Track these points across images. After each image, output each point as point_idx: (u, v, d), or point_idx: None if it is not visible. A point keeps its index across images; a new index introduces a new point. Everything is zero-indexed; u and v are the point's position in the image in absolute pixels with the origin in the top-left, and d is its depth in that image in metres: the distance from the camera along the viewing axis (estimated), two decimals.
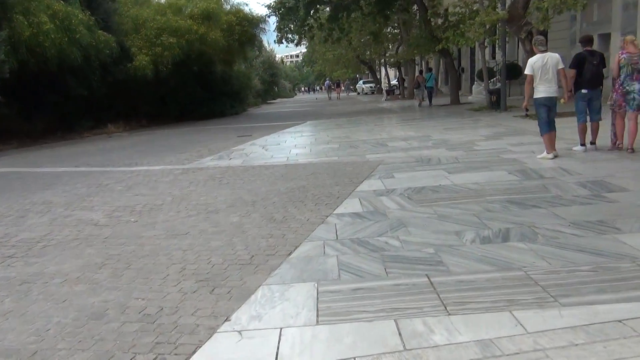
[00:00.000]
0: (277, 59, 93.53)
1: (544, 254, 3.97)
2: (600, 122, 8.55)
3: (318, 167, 9.04)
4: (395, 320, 3.05)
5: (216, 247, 4.77)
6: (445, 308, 3.17)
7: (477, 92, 27.96)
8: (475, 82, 29.19)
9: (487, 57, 31.02)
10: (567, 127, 10.95)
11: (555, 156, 8.04)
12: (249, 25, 27.27)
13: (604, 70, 8.47)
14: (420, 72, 28.84)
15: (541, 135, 8.30)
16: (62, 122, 20.33)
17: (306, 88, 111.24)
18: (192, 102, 27.49)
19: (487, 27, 15.63)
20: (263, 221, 5.58)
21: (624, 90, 7.88)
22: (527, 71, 8.15)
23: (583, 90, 8.23)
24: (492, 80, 27.22)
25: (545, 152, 8.18)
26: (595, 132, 8.51)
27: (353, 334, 2.95)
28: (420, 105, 25.09)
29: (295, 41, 24.36)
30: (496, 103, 18.05)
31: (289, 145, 12.74)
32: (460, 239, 4.47)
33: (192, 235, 5.24)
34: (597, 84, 8.27)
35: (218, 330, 3.12)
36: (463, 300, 3.26)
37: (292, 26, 21.75)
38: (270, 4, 21.49)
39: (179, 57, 21.77)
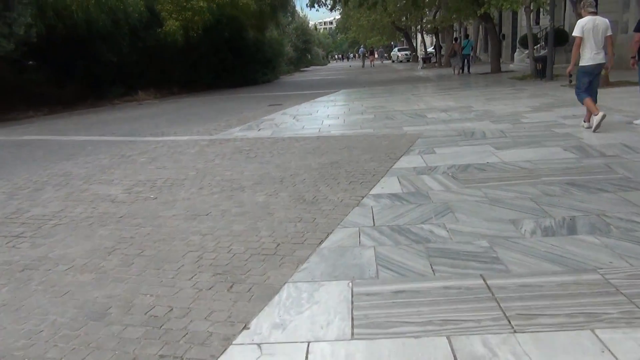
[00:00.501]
0: (310, 25, 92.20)
1: (621, 251, 3.33)
2: None
3: (352, 140, 8.43)
4: (447, 338, 2.50)
5: (238, 232, 4.27)
6: (509, 322, 2.60)
7: (520, 60, 26.65)
8: (517, 49, 27.83)
9: (530, 23, 29.57)
10: (622, 98, 10.06)
11: (604, 115, 7.18)
12: None
13: None
14: (456, 39, 27.83)
15: (581, 101, 7.65)
16: (93, 89, 20.11)
17: (340, 55, 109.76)
18: (223, 69, 27.00)
19: None
20: (291, 202, 5.06)
21: None
22: (576, 33, 7.40)
23: None
24: (535, 47, 25.90)
25: (593, 116, 7.35)
26: None
27: (396, 354, 2.41)
28: (455, 74, 24.44)
29: (330, 5, 23.41)
30: (541, 71, 16.99)
31: (321, 115, 12.13)
32: (518, 229, 3.86)
33: (213, 217, 4.75)
34: None
35: (234, 342, 2.62)
36: (530, 311, 2.68)
37: None
38: None
39: (209, 22, 21.17)
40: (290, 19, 50.39)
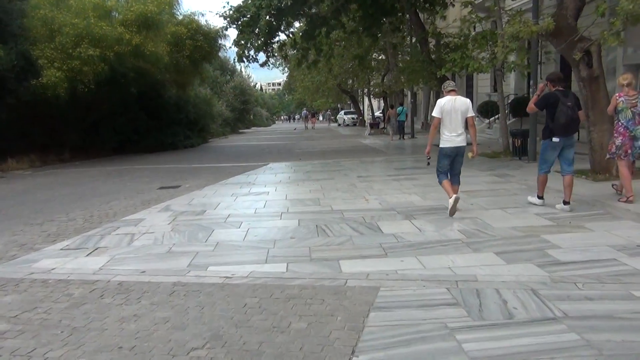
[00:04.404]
0: (257, 85, 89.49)
1: None
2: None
3: (234, 304, 4.08)
4: None
5: None
6: None
7: (479, 131, 23.42)
8: (476, 119, 24.74)
9: (488, 89, 26.78)
10: None
11: (457, 198, 6.88)
12: (204, 40, 22.38)
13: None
14: (392, 106, 26.52)
15: (440, 183, 7.27)
16: None
17: (286, 116, 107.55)
18: (135, 132, 22.51)
19: (521, 42, 11.13)
20: None
21: (631, 135, 7.12)
22: (435, 113, 7.02)
23: (554, 139, 6.91)
24: (492, 118, 22.84)
25: (449, 198, 6.96)
26: (569, 189, 7.01)
27: None
28: (391, 140, 24.09)
29: (262, 61, 19.59)
30: (520, 149, 13.42)
31: (217, 216, 7.74)
32: None
33: None
34: (573, 130, 7.00)
35: None
36: None
37: (254, 42, 16.95)
38: (226, 13, 16.57)
39: (104, 75, 16.69)
40: (228, 77, 46.88)
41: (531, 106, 7.43)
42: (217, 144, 29.26)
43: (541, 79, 19.99)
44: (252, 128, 55.78)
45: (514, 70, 15.66)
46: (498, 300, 3.93)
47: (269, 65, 20.93)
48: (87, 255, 5.80)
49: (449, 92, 7.00)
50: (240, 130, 47.77)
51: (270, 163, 15.83)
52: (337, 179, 11.24)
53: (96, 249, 6.03)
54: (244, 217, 7.54)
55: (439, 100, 7.01)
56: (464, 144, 7.03)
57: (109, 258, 5.62)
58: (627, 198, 7.02)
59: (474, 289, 4.20)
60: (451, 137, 6.92)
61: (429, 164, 7.65)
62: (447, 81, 7.40)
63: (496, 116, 21.56)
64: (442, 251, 5.33)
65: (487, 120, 23.22)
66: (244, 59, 18.37)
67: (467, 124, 7.05)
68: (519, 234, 5.89)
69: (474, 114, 7.07)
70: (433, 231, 6.19)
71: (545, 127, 7.03)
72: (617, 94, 7.29)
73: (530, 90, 13.41)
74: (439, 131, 7.08)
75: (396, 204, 8.06)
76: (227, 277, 4.77)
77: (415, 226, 6.49)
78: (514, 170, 11.26)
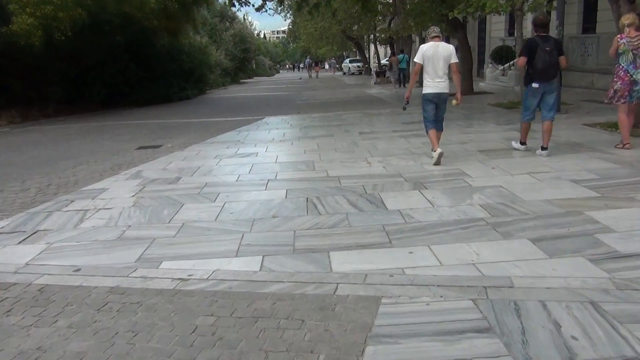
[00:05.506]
0: (261, 33, 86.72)
1: None
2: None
3: (179, 332, 2.94)
4: None
5: None
6: None
7: (493, 77, 21.94)
8: (489, 65, 23.12)
9: (502, 33, 24.99)
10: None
11: (441, 153, 6.79)
12: None
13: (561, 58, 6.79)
14: (393, 53, 26.12)
15: (426, 132, 7.20)
16: None
17: (291, 65, 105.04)
18: (125, 84, 21.14)
19: None
20: None
21: (632, 79, 6.87)
22: (416, 59, 6.92)
23: (534, 84, 6.84)
24: (507, 64, 21.24)
25: (432, 150, 6.99)
26: (547, 134, 7.08)
27: None
28: (394, 88, 23.96)
29: (257, 5, 18.03)
30: None
31: (192, 186, 6.56)
32: None
33: None
34: (552, 75, 6.78)
35: None
36: None
37: None
38: None
39: (82, 21, 15.24)
40: (228, 24, 44.84)
41: (518, 63, 7.28)
42: (214, 96, 27.80)
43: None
44: (255, 78, 53.94)
45: (535, 10, 14.08)
46: (547, 323, 2.79)
47: (266, 10, 19.54)
48: (20, 242, 4.69)
49: (433, 38, 6.93)
50: (242, 81, 46.07)
51: (267, 117, 14.55)
52: (336, 136, 10.00)
53: (34, 233, 4.91)
54: (223, 187, 6.38)
55: (421, 46, 6.95)
56: (446, 91, 6.95)
57: (44, 247, 4.51)
58: (624, 145, 7.09)
59: (511, 301, 3.05)
60: (434, 83, 6.87)
61: (404, 108, 7.77)
62: (432, 27, 7.34)
63: (511, 62, 20.03)
64: (462, 237, 4.17)
65: (501, 67, 21.62)
66: (235, 2, 16.84)
67: (451, 71, 6.94)
68: (556, 209, 4.69)
69: (457, 60, 6.93)
70: (449, 206, 5.00)
71: (526, 73, 7.02)
72: (618, 36, 7.00)
73: (557, 31, 11.87)
74: (421, 78, 7.11)
75: (403, 167, 6.85)
76: (181, 280, 3.65)
77: (427, 199, 5.30)
78: (536, 124, 9.92)
